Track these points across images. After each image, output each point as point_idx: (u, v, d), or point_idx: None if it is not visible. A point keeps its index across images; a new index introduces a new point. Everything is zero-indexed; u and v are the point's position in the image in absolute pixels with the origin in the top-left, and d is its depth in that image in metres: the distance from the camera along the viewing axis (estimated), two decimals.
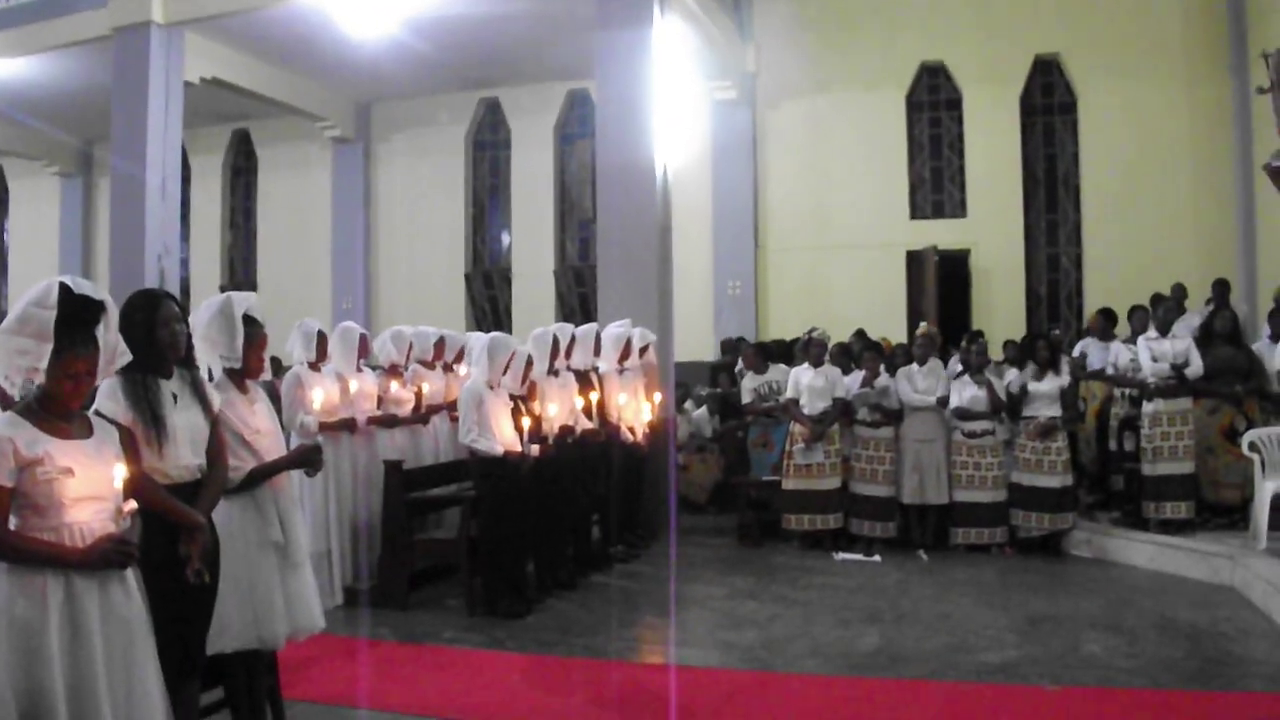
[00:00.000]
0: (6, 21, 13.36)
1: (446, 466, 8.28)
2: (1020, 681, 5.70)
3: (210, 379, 4.29)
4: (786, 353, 11.23)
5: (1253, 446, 8.23)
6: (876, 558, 9.04)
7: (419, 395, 8.57)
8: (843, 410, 9.41)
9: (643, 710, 5.40)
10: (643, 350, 9.72)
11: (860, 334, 11.93)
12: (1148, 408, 8.79)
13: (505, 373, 7.38)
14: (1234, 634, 6.53)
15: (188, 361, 3.98)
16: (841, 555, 9.14)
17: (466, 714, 5.33)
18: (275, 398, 6.82)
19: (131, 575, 3.25)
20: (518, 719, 5.25)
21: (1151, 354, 8.82)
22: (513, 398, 7.45)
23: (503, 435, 7.19)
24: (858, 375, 9.54)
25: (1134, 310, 9.84)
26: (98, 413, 3.50)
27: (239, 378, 4.46)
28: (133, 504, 3.17)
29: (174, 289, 11.59)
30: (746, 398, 10.44)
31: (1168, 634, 6.59)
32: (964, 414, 9.20)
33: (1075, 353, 10.61)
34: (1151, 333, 9.04)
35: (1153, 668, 5.90)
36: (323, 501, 7.35)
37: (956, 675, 5.84)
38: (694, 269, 14.28)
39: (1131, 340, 9.36)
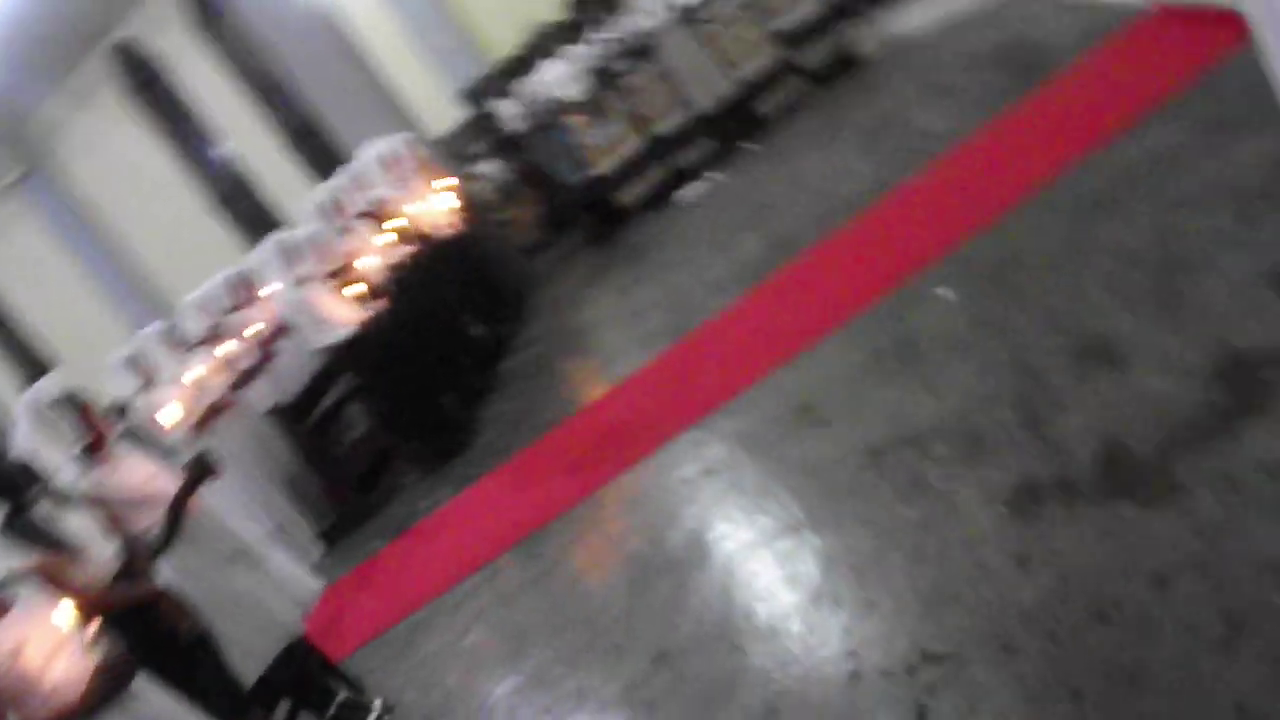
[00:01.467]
0: None
1: (317, 377, 8.05)
2: (884, 192, 5.82)
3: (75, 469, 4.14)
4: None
5: None
6: (713, 177, 9.02)
7: (252, 339, 8.24)
8: (604, 76, 9.18)
9: (626, 433, 5.49)
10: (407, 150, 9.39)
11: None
12: None
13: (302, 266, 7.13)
14: (1029, 28, 6.59)
15: (39, 478, 3.81)
16: (683, 195, 9.11)
17: (490, 551, 5.39)
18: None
19: (141, 682, 3.20)
20: (529, 523, 5.32)
21: None
22: (326, 276, 7.21)
23: (342, 317, 7.00)
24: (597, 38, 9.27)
25: None
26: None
27: (94, 452, 4.26)
28: (94, 623, 3.09)
29: None
30: (511, 123, 10.19)
31: (980, 67, 6.58)
32: (704, 3, 8.97)
33: None
34: None
35: (985, 100, 5.93)
36: (244, 486, 7.20)
37: (838, 221, 5.93)
38: (396, 47, 13.57)
39: None
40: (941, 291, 4.31)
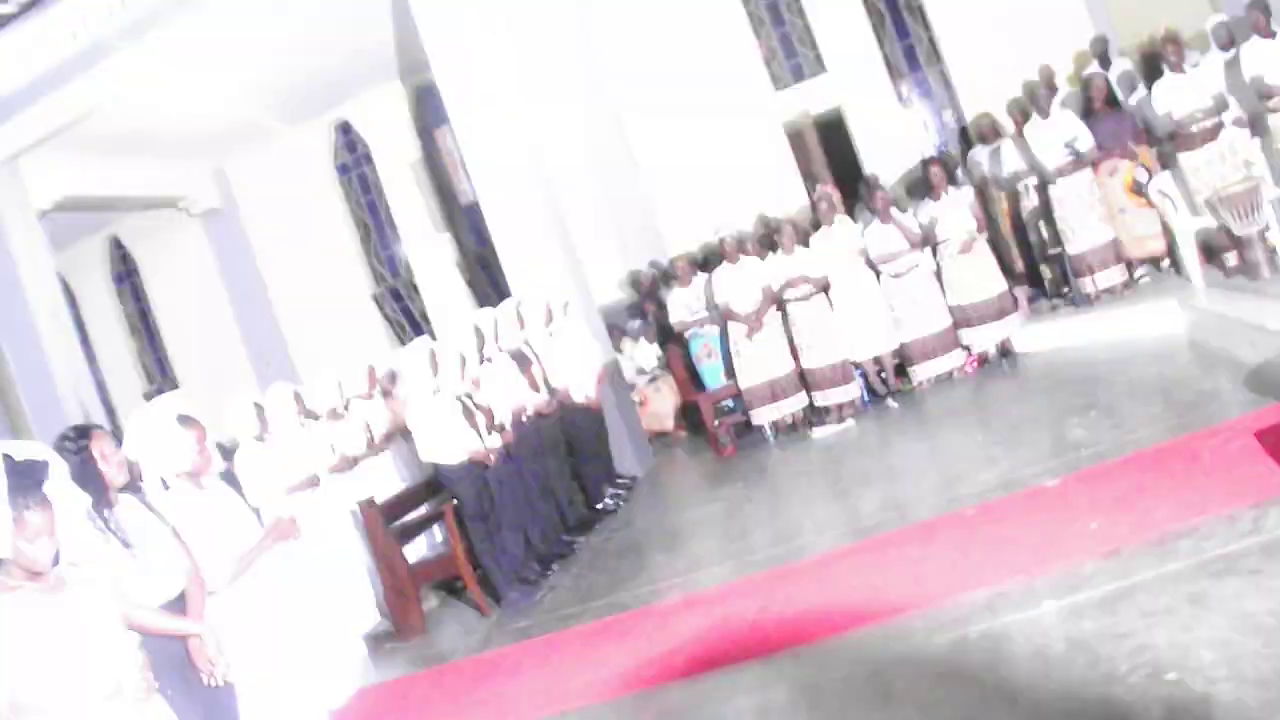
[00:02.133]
0: None
1: (419, 487, 8.20)
2: (1021, 489, 5.78)
3: (165, 487, 4.26)
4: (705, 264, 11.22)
5: (1161, 192, 8.38)
6: (850, 423, 9.11)
7: (368, 430, 8.48)
8: (772, 297, 9.43)
9: (683, 644, 5.37)
10: (565, 309, 9.67)
11: (762, 218, 11.95)
12: (1054, 191, 8.93)
13: (439, 377, 7.32)
14: (1200, 373, 6.67)
15: (133, 484, 3.93)
16: (817, 432, 9.21)
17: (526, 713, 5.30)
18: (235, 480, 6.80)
19: (161, 705, 3.22)
20: (573, 699, 5.21)
21: (1041, 140, 8.92)
22: (458, 399, 7.39)
23: (461, 440, 7.14)
24: (776, 258, 9.54)
25: (1010, 105, 9.91)
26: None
27: (191, 479, 4.39)
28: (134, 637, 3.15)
29: (98, 414, 11.31)
30: (676, 314, 10.44)
31: (1141, 395, 6.72)
32: (885, 257, 9.24)
33: (970, 160, 10.72)
34: (1036, 120, 9.14)
35: (1137, 431, 6.01)
36: (313, 563, 7.28)
37: (962, 503, 5.90)
38: (582, 212, 14.14)
39: (1019, 134, 9.46)
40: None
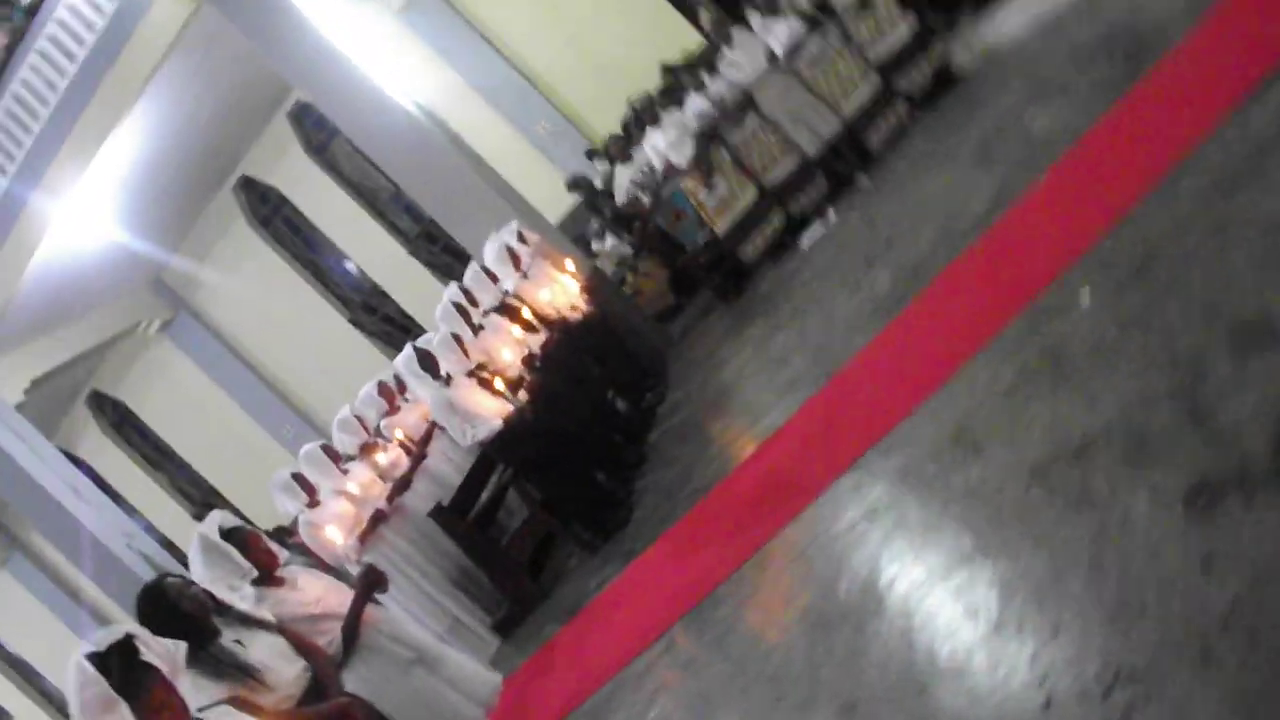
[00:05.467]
0: None
1: (473, 471, 8.24)
2: (1009, 205, 5.70)
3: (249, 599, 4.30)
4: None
5: None
6: (831, 216, 9.02)
7: (406, 444, 8.49)
8: (705, 137, 9.29)
9: (784, 486, 5.41)
10: (521, 239, 9.58)
11: (665, 67, 11.70)
12: None
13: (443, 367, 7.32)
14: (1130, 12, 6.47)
15: (221, 608, 3.95)
16: (805, 239, 9.13)
17: (663, 619, 5.34)
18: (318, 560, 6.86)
19: None
20: (703, 584, 5.25)
21: None
22: (469, 374, 7.39)
23: (489, 411, 7.16)
24: (693, 99, 9.39)
25: None
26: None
27: (267, 581, 4.42)
28: None
29: (163, 560, 11.37)
30: (625, 195, 10.35)
31: (1082, 60, 6.52)
32: (794, 48, 9.04)
33: None
34: None
35: (1099, 87, 5.85)
36: (414, 589, 7.38)
37: (969, 239, 5.80)
38: (500, 144, 13.94)
39: None
40: (1083, 296, 4.17)
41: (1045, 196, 5.42)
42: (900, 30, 8.82)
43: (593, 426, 8.06)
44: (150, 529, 15.69)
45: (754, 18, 9.36)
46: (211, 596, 3.94)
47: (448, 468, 8.65)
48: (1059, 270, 4.50)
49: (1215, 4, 5.20)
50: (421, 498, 8.02)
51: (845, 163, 9.29)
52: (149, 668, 3.06)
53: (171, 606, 3.75)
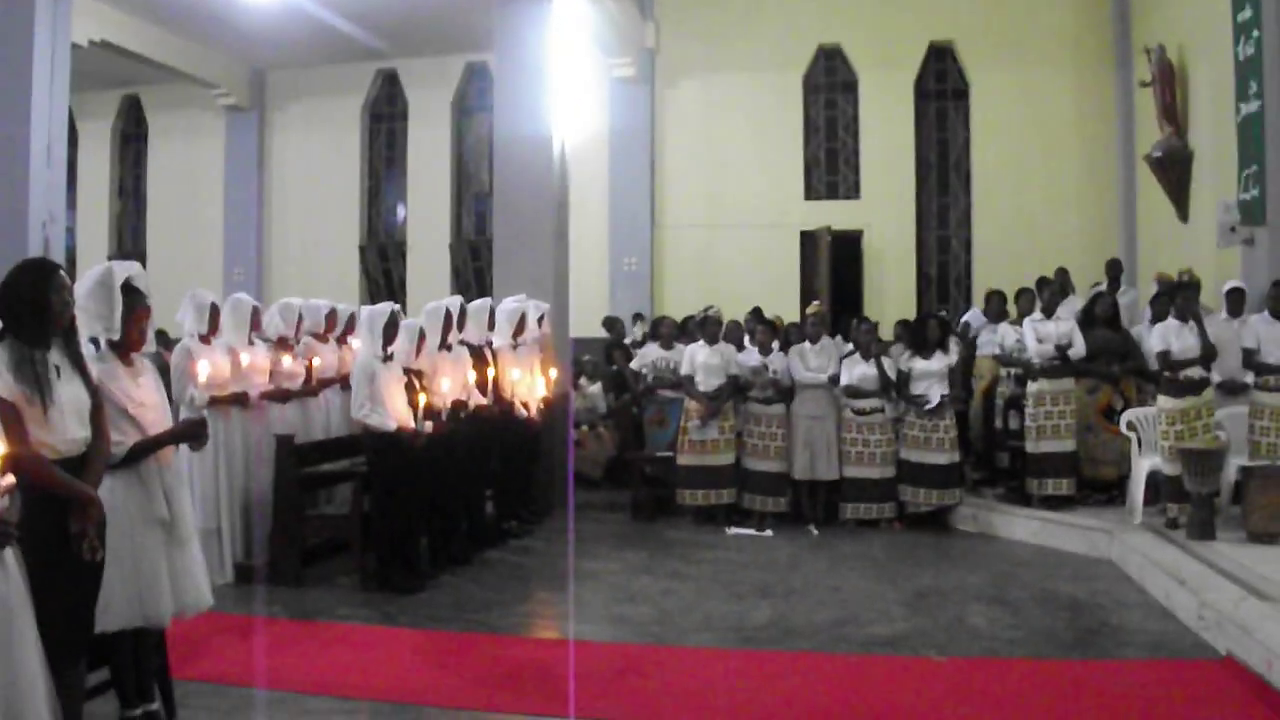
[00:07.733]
0: None
1: (338, 441, 8.17)
2: (908, 653, 5.83)
3: (97, 349, 4.18)
4: (683, 330, 11.29)
5: (1130, 425, 8.54)
6: (768, 532, 9.16)
7: (310, 369, 8.41)
8: (736, 387, 9.47)
9: (537, 686, 5.35)
10: (540, 323, 9.66)
11: (755, 312, 12.00)
12: (1032, 387, 9.02)
13: (393, 345, 7.26)
14: (1111, 605, 6.75)
15: (69, 333, 3.84)
16: (734, 530, 9.25)
17: (359, 691, 5.23)
18: (166, 370, 6.67)
19: (10, 555, 3.12)
20: (410, 695, 5.15)
21: (1036, 335, 9.05)
22: (406, 372, 7.33)
23: (396, 410, 7.08)
24: (751, 352, 9.61)
25: (1020, 293, 10.06)
26: None
27: (122, 350, 4.31)
28: (10, 480, 3.04)
29: (59, 257, 11.03)
30: (640, 364, 10.48)
31: (1049, 606, 6.78)
32: (854, 392, 9.32)
33: (962, 322, 10.89)
34: (1037, 314, 9.27)
35: (1034, 638, 6.09)
36: (212, 477, 7.22)
37: (846, 647, 5.95)
38: (590, 245, 14.19)
39: (1018, 322, 9.59)
40: None
41: (928, 675, 5.48)
42: (941, 456, 9.12)
43: (454, 498, 7.94)
44: (70, 232, 15.26)
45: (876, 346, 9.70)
46: (71, 317, 3.84)
47: (320, 416, 8.53)
48: None
49: (1177, 661, 5.38)
50: (281, 420, 7.88)
51: (812, 506, 9.44)
52: None
53: (42, 292, 3.66)
